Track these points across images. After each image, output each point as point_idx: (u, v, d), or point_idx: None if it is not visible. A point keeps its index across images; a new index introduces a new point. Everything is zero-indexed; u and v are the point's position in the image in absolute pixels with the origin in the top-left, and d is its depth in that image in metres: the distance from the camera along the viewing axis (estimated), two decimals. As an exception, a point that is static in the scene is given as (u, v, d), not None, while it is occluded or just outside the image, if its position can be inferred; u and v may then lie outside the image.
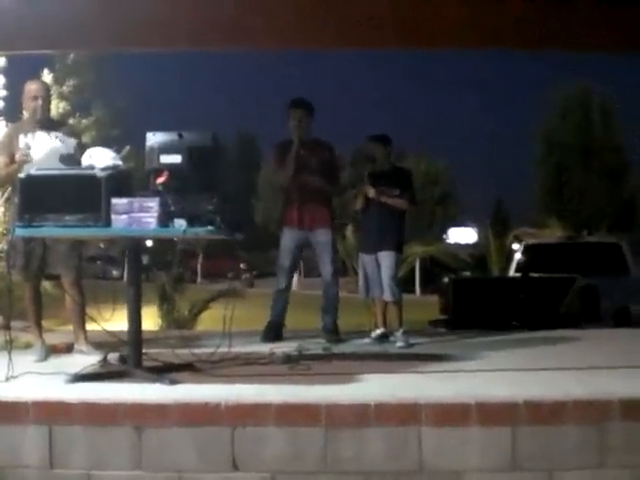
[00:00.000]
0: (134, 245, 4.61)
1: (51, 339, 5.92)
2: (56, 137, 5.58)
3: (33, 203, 4.38)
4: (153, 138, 4.52)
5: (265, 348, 5.77)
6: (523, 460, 3.79)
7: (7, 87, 10.51)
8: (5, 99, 10.53)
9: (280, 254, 6.83)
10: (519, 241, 15.02)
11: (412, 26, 5.97)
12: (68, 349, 5.69)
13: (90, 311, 5.45)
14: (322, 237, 6.74)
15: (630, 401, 3.90)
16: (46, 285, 10.00)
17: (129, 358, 4.53)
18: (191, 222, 4.32)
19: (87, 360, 4.81)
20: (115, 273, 36.51)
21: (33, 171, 4.58)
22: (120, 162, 4.70)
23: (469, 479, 3.79)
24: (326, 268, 6.78)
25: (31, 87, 5.68)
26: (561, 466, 3.81)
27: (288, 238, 6.78)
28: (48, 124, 5.68)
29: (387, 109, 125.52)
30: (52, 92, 10.47)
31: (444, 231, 43.95)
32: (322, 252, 6.78)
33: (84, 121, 11.24)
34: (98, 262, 41.93)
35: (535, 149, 35.82)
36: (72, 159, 5.08)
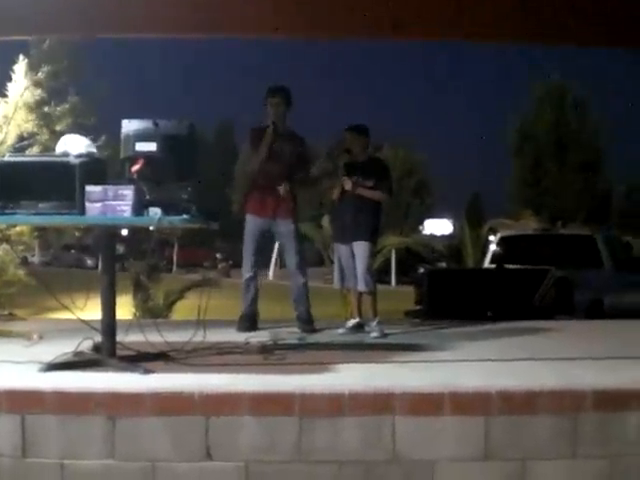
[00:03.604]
0: (108, 233, 4.57)
1: (23, 328, 5.87)
2: None
3: (6, 190, 4.34)
4: (128, 125, 4.47)
5: (240, 338, 5.76)
6: (496, 450, 3.82)
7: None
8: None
9: (244, 242, 6.80)
10: (494, 233, 15.10)
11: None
12: (40, 338, 5.66)
13: (64, 300, 5.41)
14: (284, 227, 6.71)
15: (603, 392, 3.93)
16: (20, 274, 9.94)
17: (103, 347, 4.50)
18: (166, 211, 4.29)
19: (60, 349, 4.77)
20: (89, 262, 36.38)
21: (7, 157, 4.54)
22: (95, 149, 4.66)
23: (442, 468, 3.81)
24: (290, 258, 6.77)
25: None
26: (534, 456, 3.83)
27: (251, 226, 6.74)
28: None
29: (365, 99, 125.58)
30: (27, 79, 10.39)
31: (420, 222, 44.11)
32: (285, 243, 6.78)
33: (59, 108, 11.11)
34: (72, 250, 41.77)
35: (511, 142, 36.04)
36: None
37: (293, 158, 6.70)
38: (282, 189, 6.60)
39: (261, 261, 7.10)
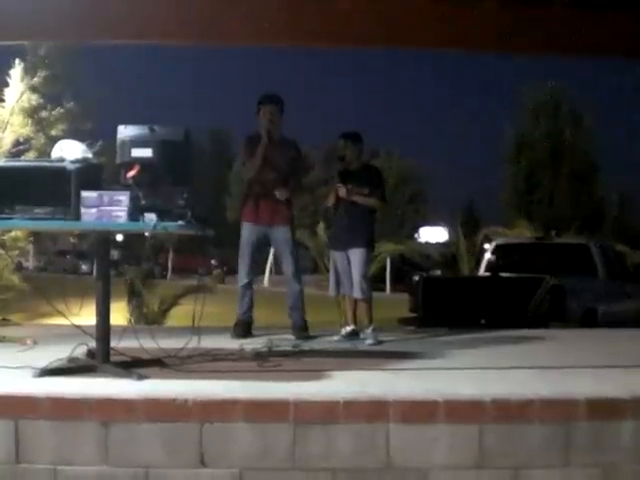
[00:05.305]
0: (103, 239, 4.57)
1: (17, 333, 5.86)
2: None
3: (1, 195, 4.33)
4: (124, 131, 4.47)
5: (234, 344, 5.76)
6: (490, 458, 3.82)
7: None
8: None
9: (240, 249, 6.78)
10: (489, 241, 15.11)
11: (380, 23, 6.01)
12: (34, 343, 5.65)
13: (58, 305, 5.40)
14: (280, 234, 6.71)
15: (596, 400, 3.93)
16: (15, 279, 9.93)
17: (97, 353, 4.50)
18: (161, 217, 4.29)
19: (54, 354, 4.76)
20: (84, 268, 36.35)
21: (2, 162, 4.53)
22: (90, 155, 4.66)
23: (436, 476, 3.81)
24: (287, 265, 6.77)
25: None
26: (527, 464, 3.84)
27: (247, 233, 6.73)
28: None
29: (361, 107, 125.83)
30: (23, 83, 10.39)
31: (415, 230, 44.11)
32: (281, 249, 6.78)
33: (55, 113, 11.09)
34: (67, 256, 41.74)
35: (506, 150, 36.06)
36: None
37: (288, 164, 6.70)
38: (278, 193, 6.58)
39: (256, 268, 7.10)
